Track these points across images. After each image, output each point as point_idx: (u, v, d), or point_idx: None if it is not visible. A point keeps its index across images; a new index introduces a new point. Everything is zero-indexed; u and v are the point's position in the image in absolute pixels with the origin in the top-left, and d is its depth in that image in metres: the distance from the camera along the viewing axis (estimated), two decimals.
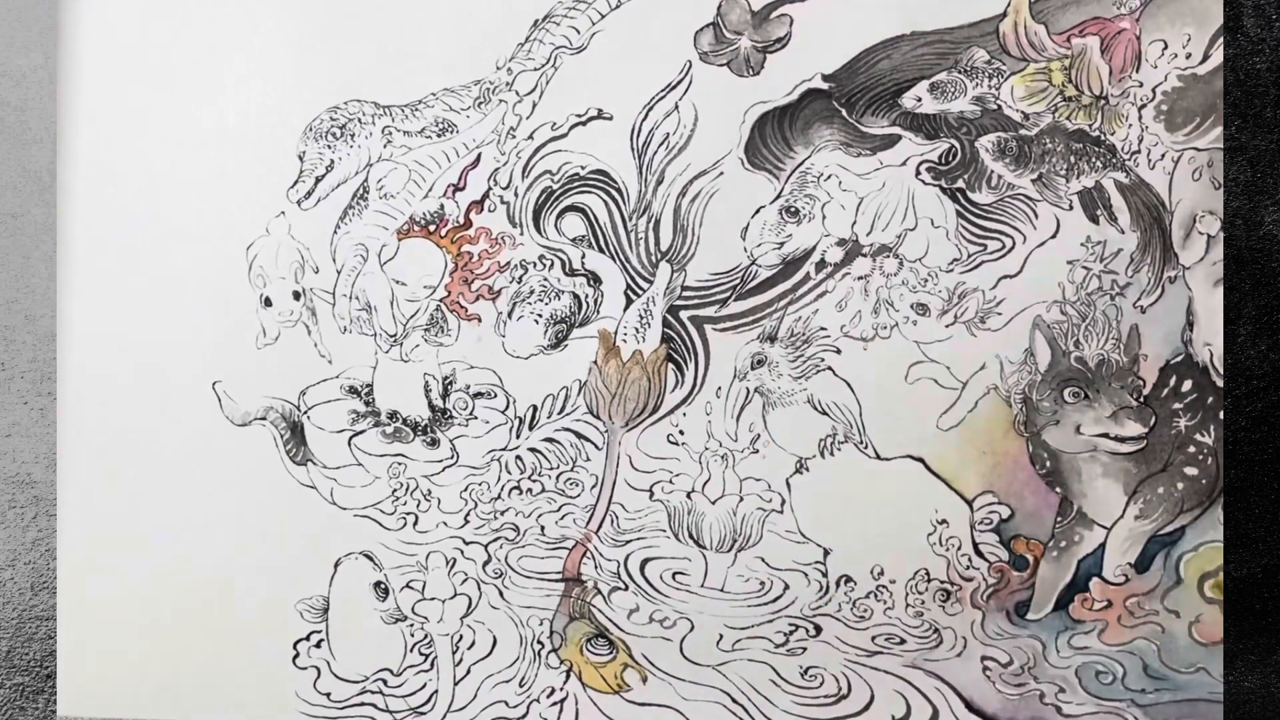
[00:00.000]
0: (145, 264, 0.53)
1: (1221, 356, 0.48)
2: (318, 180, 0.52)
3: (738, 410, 0.51)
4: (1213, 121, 0.48)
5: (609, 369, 0.51)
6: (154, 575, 0.54)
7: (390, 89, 0.52)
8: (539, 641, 0.52)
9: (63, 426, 0.54)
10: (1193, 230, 0.48)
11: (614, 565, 0.52)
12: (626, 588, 0.52)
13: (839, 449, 0.50)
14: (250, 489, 0.53)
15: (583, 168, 0.51)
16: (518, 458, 0.52)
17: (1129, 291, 0.49)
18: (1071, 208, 0.49)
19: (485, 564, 0.52)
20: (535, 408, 0.52)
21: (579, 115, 0.51)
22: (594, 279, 0.51)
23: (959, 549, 0.50)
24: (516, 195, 0.51)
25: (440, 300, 0.52)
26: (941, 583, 0.50)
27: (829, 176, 0.50)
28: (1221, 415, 0.49)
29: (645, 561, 0.52)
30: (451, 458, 0.52)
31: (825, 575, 0.51)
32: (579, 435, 0.51)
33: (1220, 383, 0.49)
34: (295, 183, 0.52)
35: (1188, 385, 0.49)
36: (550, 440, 0.52)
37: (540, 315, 0.52)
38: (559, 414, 0.51)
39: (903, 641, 0.51)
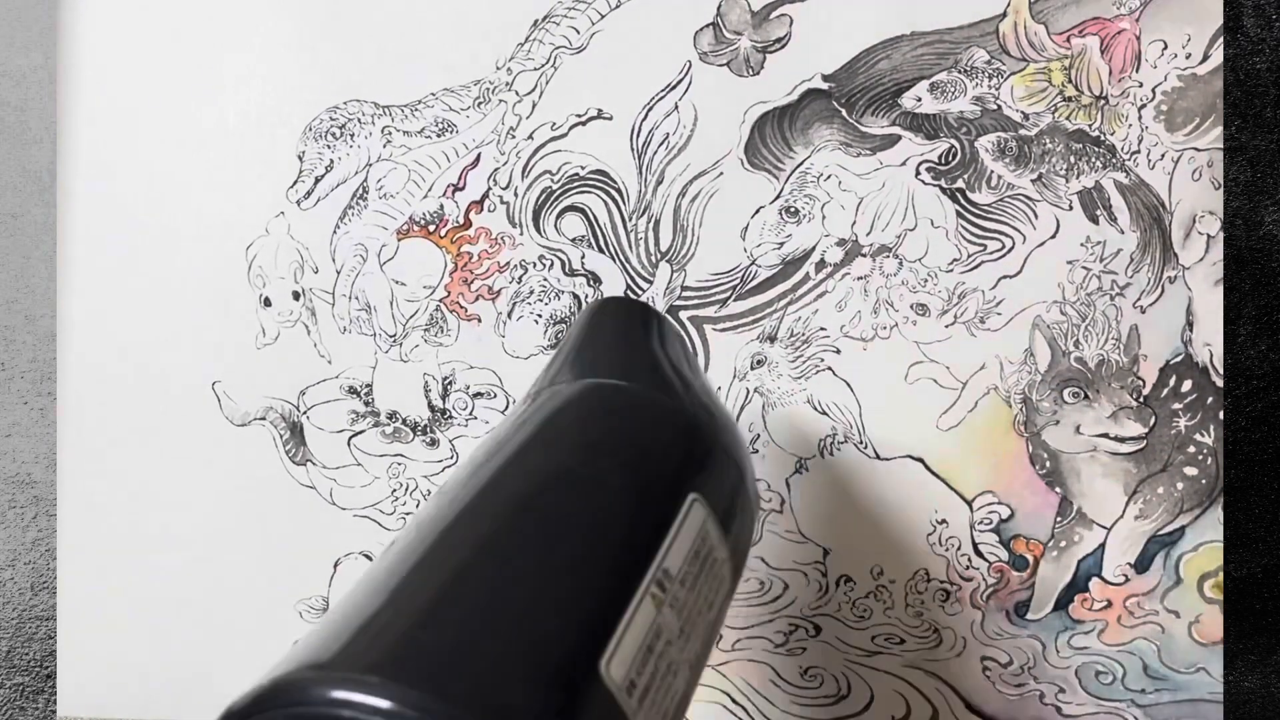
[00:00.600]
0: (145, 264, 0.53)
1: (1221, 356, 0.48)
2: (317, 180, 0.52)
3: (737, 410, 0.51)
4: (1213, 121, 0.48)
5: None
6: (154, 575, 0.54)
7: (390, 89, 0.52)
8: None
9: (63, 426, 0.54)
10: (1193, 230, 0.48)
11: None
12: None
13: (839, 449, 0.50)
14: (250, 489, 0.53)
15: (582, 168, 0.51)
16: None
17: (1129, 291, 0.49)
18: (1071, 208, 0.49)
19: None
20: None
21: (579, 115, 0.51)
22: (594, 279, 0.51)
23: (959, 549, 0.50)
24: (516, 195, 0.51)
25: (440, 300, 0.52)
26: (941, 583, 0.50)
27: (829, 177, 0.50)
28: (1221, 415, 0.49)
29: None
30: (451, 458, 0.52)
31: (825, 575, 0.51)
32: None
33: (1220, 383, 0.49)
34: (295, 183, 0.52)
35: (1188, 385, 0.49)
36: None
37: (540, 315, 0.52)
38: None
39: (902, 641, 0.51)
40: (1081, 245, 0.49)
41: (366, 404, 0.53)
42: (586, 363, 0.33)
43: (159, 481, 0.54)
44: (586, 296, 0.52)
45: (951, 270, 0.49)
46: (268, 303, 0.53)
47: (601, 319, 0.37)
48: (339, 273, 0.53)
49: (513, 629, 0.20)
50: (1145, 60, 0.48)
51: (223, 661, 0.54)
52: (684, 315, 0.51)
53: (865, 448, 0.50)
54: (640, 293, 0.51)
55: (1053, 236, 0.49)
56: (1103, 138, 0.48)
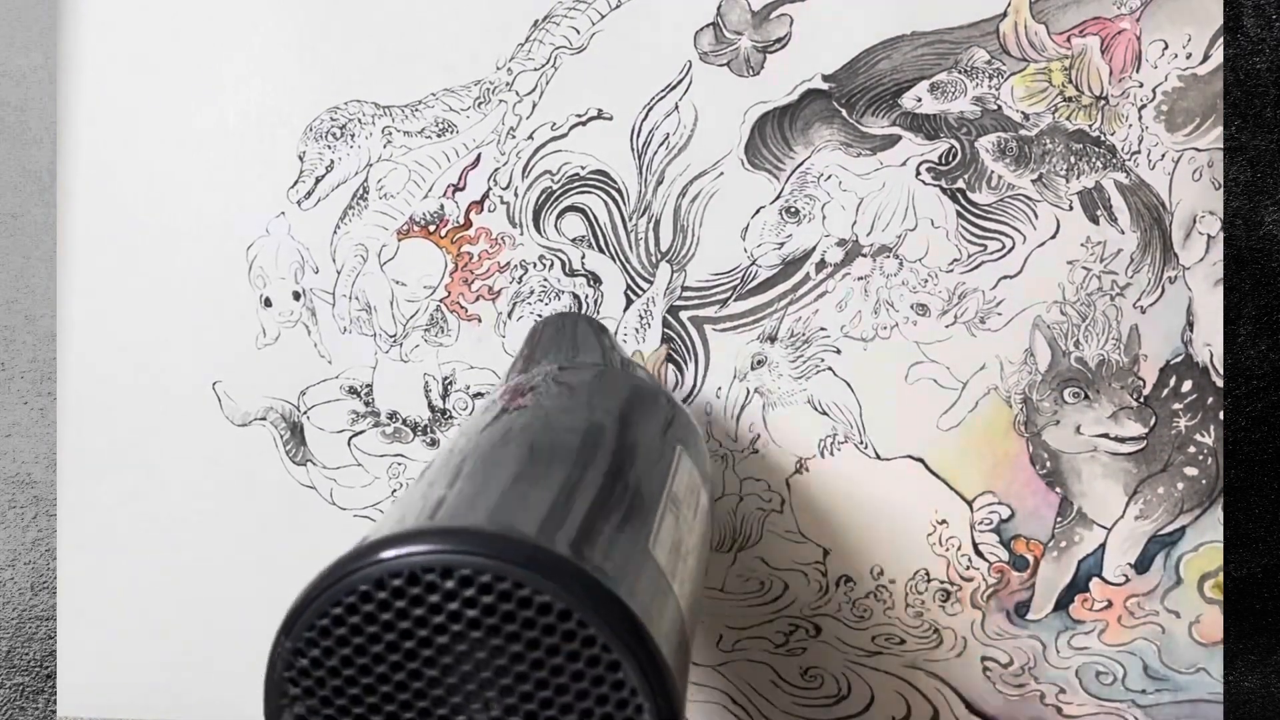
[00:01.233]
0: (145, 264, 0.53)
1: (1221, 356, 0.48)
2: (318, 180, 0.52)
3: (738, 410, 0.51)
4: (1213, 122, 0.48)
5: None
6: (154, 575, 0.54)
7: (390, 89, 0.52)
8: None
9: (63, 426, 0.54)
10: (1193, 230, 0.48)
11: None
12: None
13: (839, 449, 0.50)
14: (251, 489, 0.53)
15: (583, 168, 0.51)
16: None
17: (1129, 292, 0.49)
18: (1071, 208, 0.49)
19: None
20: None
21: (579, 115, 0.51)
22: (594, 279, 0.51)
23: (959, 549, 0.50)
24: (516, 195, 0.51)
25: (440, 300, 0.52)
26: (941, 583, 0.50)
27: (829, 177, 0.50)
28: (1221, 415, 0.49)
29: None
30: None
31: (825, 575, 0.51)
32: None
33: (1220, 383, 0.49)
34: (295, 183, 0.52)
35: (1188, 385, 0.49)
36: None
37: (540, 315, 0.52)
38: None
39: (903, 642, 0.51)
40: (1082, 245, 0.49)
41: (367, 404, 0.53)
42: (565, 354, 0.46)
43: (159, 481, 0.54)
44: (586, 296, 0.52)
45: (952, 270, 0.49)
46: (268, 303, 0.53)
47: (562, 323, 0.49)
48: (339, 273, 0.53)
49: (598, 514, 0.29)
50: (1145, 60, 0.48)
51: (223, 661, 0.54)
52: (684, 315, 0.51)
53: (865, 448, 0.50)
54: (640, 293, 0.51)
55: (1053, 237, 0.49)
56: (1103, 138, 0.48)
